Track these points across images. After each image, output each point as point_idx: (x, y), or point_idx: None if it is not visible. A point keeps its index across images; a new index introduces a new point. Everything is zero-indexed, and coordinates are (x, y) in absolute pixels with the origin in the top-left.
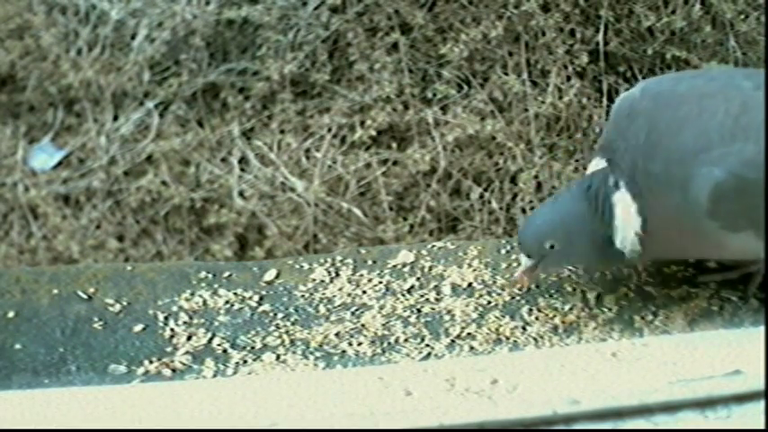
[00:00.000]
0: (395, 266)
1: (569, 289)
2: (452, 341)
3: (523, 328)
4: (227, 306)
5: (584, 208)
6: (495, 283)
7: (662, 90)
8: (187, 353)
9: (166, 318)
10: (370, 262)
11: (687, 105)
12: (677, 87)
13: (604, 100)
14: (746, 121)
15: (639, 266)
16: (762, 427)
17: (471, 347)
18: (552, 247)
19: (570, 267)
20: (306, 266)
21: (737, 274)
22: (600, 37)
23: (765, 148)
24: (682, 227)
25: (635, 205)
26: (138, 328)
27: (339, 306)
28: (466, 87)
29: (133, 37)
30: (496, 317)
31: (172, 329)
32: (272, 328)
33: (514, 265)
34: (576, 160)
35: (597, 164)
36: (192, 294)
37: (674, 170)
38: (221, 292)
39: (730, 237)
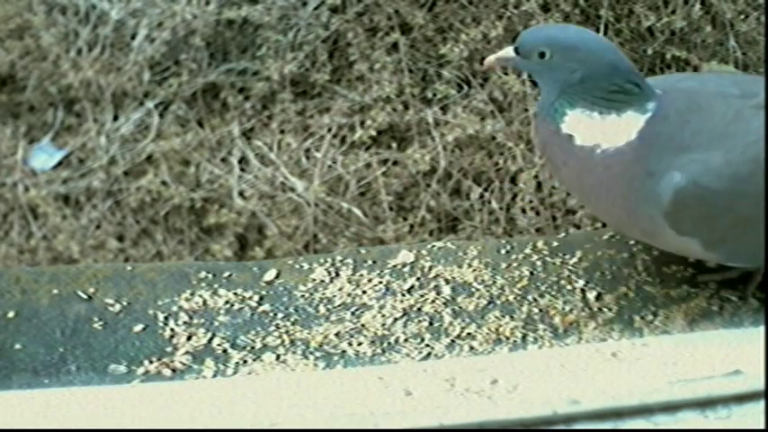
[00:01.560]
0: (395, 266)
1: (569, 289)
2: (452, 341)
3: (523, 328)
4: (227, 306)
5: (611, 75)
6: (495, 283)
7: (665, 85)
8: (187, 353)
9: (166, 318)
10: (370, 262)
11: (694, 99)
12: (678, 85)
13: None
14: (732, 129)
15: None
16: (762, 427)
17: (471, 347)
18: (542, 55)
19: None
20: (306, 266)
21: (737, 274)
22: None
23: (766, 150)
24: (636, 202)
25: (632, 136)
26: (138, 328)
27: (339, 306)
28: (466, 87)
29: (133, 37)
30: (496, 317)
31: (172, 329)
32: (272, 328)
33: (514, 263)
34: None
35: None
36: (192, 294)
37: (664, 156)
38: (221, 292)
39: (673, 236)
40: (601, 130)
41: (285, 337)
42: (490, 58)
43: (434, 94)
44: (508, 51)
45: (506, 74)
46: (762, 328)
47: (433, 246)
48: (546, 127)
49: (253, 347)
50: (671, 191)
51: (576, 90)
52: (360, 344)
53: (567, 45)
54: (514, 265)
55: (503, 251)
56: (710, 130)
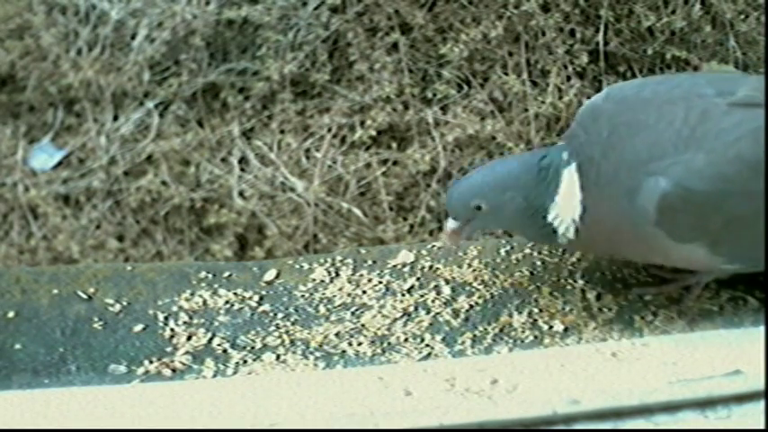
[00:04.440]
0: (395, 266)
1: (569, 289)
2: (452, 341)
3: (523, 328)
4: (227, 306)
5: (529, 174)
6: (494, 283)
7: (626, 95)
8: (187, 353)
9: (166, 318)
10: (370, 262)
11: (647, 110)
12: (641, 93)
13: None
14: (703, 130)
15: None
16: (762, 427)
17: (471, 347)
18: (479, 208)
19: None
20: (306, 266)
21: (675, 287)
22: (600, 37)
23: (766, 150)
24: (622, 230)
25: (580, 195)
26: (138, 328)
27: (339, 306)
28: (466, 87)
29: (133, 37)
30: (496, 317)
31: (172, 329)
32: (272, 328)
33: (514, 263)
34: None
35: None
36: (192, 294)
37: (623, 175)
38: (221, 292)
39: (675, 246)
40: (568, 207)
41: (285, 337)
42: (445, 236)
43: (434, 94)
44: (451, 224)
45: (506, 74)
46: (762, 328)
47: (433, 246)
48: (560, 244)
49: (253, 347)
50: (656, 197)
51: (534, 206)
52: (360, 344)
53: (487, 185)
54: (514, 265)
55: (503, 251)
56: (675, 137)
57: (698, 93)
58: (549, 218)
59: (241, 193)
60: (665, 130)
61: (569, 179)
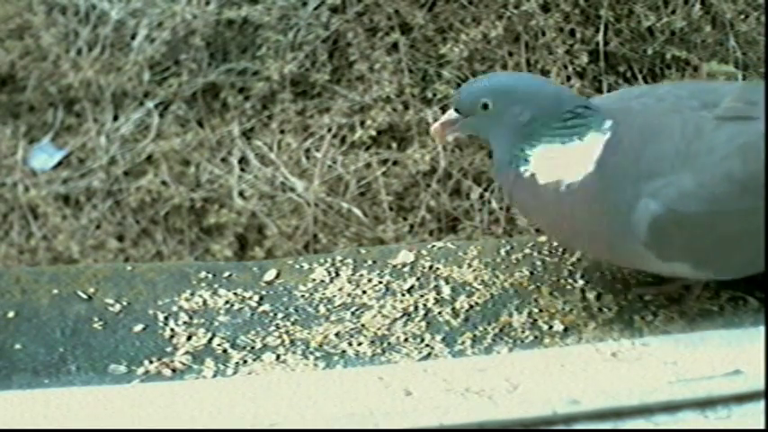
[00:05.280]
0: (395, 266)
1: (569, 289)
2: (452, 341)
3: (523, 328)
4: (227, 306)
5: (555, 107)
6: (494, 283)
7: (614, 108)
8: (187, 353)
9: (166, 318)
10: (370, 262)
11: (647, 122)
12: (630, 105)
13: None
14: (696, 147)
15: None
16: (762, 427)
17: (471, 347)
18: (486, 106)
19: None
20: (306, 266)
21: (675, 287)
22: (600, 37)
23: (766, 158)
24: (608, 232)
25: (591, 167)
26: (138, 328)
27: (339, 306)
28: None
29: (133, 37)
30: (496, 317)
31: (172, 329)
32: (272, 328)
33: (514, 263)
34: None
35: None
36: (192, 294)
37: (628, 184)
38: (221, 292)
39: (661, 264)
40: (564, 162)
41: (285, 337)
42: (435, 126)
43: (434, 94)
44: (450, 114)
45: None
46: (762, 328)
47: (433, 246)
48: (507, 176)
49: (253, 347)
50: (647, 220)
51: (530, 130)
52: (360, 344)
53: (506, 89)
54: (514, 265)
55: (503, 251)
56: (673, 153)
57: (686, 105)
58: (533, 151)
59: (241, 193)
60: (665, 143)
61: (592, 144)
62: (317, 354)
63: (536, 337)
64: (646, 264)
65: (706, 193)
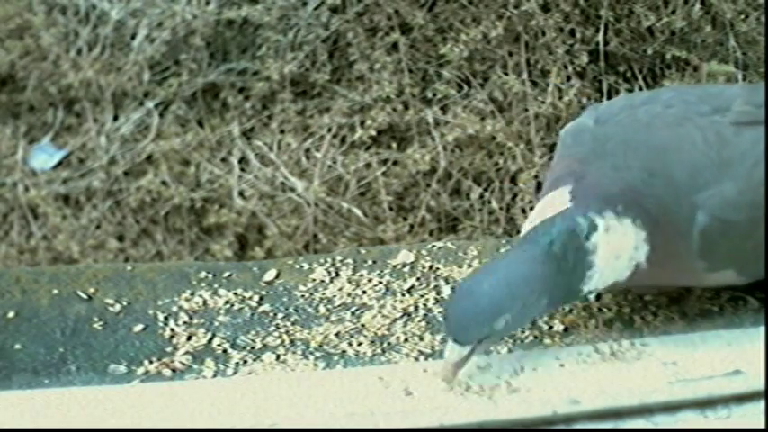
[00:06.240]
0: (395, 266)
1: None
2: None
3: (523, 328)
4: (227, 306)
5: (547, 268)
6: None
7: (621, 118)
8: (187, 353)
9: (166, 318)
10: (370, 262)
11: (661, 133)
12: (637, 114)
13: (604, 100)
14: (727, 155)
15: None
16: (762, 427)
17: None
18: (502, 325)
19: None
20: (306, 266)
21: (675, 288)
22: (600, 37)
23: (766, 164)
24: (679, 258)
25: (642, 233)
26: (138, 328)
27: (339, 306)
28: (466, 87)
29: (133, 37)
30: None
31: (172, 329)
32: (272, 328)
33: None
34: None
35: (561, 194)
36: (192, 294)
37: (672, 203)
38: (221, 292)
39: (710, 274)
40: (611, 269)
41: (285, 337)
42: (445, 374)
43: (434, 94)
44: (454, 353)
45: (506, 74)
46: (762, 328)
47: (433, 246)
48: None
49: (253, 347)
50: (698, 232)
51: (559, 295)
52: (360, 344)
53: (510, 296)
54: None
55: (503, 251)
56: (707, 163)
57: (696, 111)
58: (586, 290)
59: (241, 193)
60: (693, 154)
61: (606, 243)
62: (317, 354)
63: (536, 337)
64: (695, 278)
65: (747, 200)
